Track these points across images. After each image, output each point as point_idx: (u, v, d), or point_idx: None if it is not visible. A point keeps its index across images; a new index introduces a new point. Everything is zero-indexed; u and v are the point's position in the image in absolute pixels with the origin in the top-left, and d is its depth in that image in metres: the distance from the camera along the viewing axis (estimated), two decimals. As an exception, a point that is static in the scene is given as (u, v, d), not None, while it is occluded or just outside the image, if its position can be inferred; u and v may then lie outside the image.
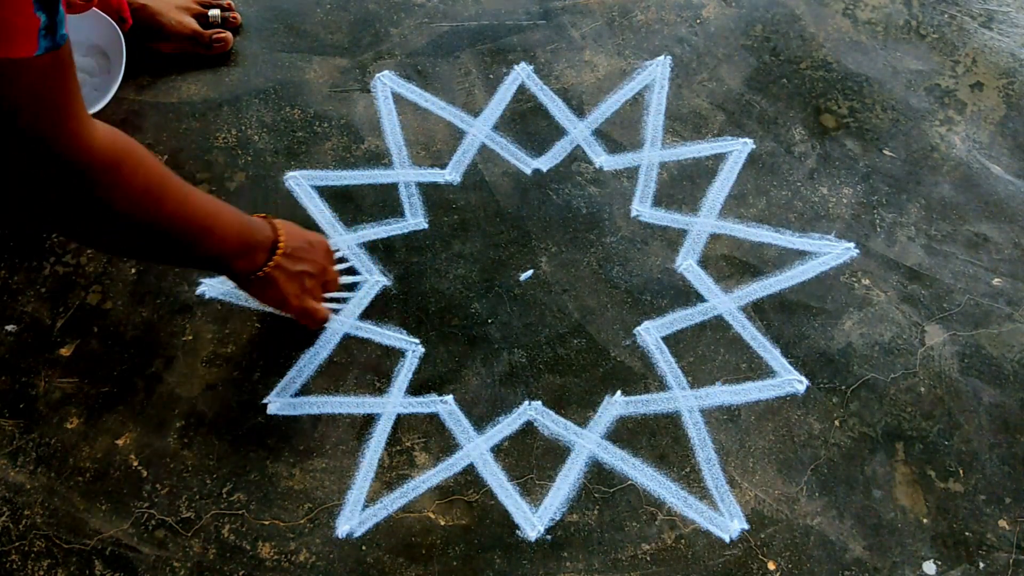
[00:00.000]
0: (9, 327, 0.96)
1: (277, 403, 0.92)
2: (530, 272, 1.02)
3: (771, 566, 0.85)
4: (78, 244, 0.84)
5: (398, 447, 0.90)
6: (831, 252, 1.04)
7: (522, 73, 1.17)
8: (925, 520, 0.88)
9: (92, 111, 1.00)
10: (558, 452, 0.90)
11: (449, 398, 0.93)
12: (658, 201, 1.07)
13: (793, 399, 0.94)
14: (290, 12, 1.21)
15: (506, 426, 0.92)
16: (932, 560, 0.86)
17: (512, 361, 0.96)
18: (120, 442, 0.89)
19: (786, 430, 0.92)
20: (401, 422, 0.92)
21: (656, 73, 1.18)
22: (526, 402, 0.93)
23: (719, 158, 1.11)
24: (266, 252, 0.84)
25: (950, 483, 0.90)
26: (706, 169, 1.10)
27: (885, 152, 1.13)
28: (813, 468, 0.90)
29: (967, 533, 0.88)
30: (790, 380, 0.95)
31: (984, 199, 1.10)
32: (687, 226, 1.06)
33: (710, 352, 0.97)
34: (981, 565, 0.86)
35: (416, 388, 0.94)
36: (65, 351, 0.94)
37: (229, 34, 1.15)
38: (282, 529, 0.85)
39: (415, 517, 0.86)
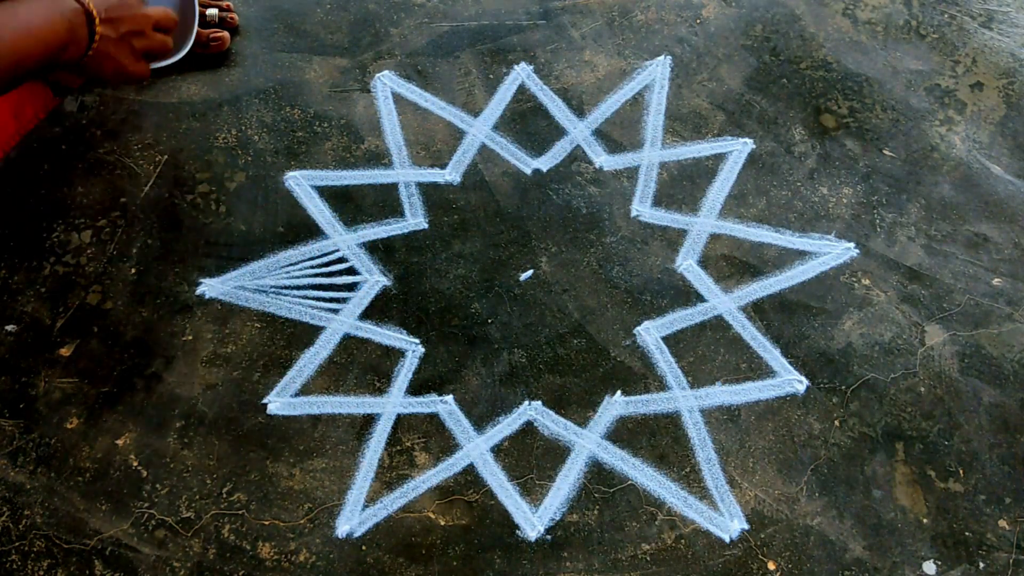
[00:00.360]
0: (9, 327, 0.96)
1: (277, 403, 0.92)
2: (530, 272, 1.02)
3: (771, 566, 0.85)
4: None
5: (398, 447, 0.90)
6: (831, 252, 1.04)
7: (522, 73, 1.17)
8: (925, 520, 0.88)
9: (167, 62, 0.97)
10: (558, 452, 0.90)
11: (449, 398, 0.93)
12: (658, 201, 1.07)
13: (793, 399, 0.94)
14: (290, 12, 1.21)
15: (506, 426, 0.92)
16: (932, 560, 0.86)
17: (512, 361, 0.96)
18: (120, 442, 0.89)
19: (786, 430, 0.92)
20: (401, 422, 0.92)
21: (656, 73, 1.18)
22: (526, 402, 0.93)
23: (719, 158, 1.11)
24: (84, 28, 0.79)
25: (950, 483, 0.90)
26: (706, 169, 1.10)
27: (885, 152, 1.13)
28: (813, 468, 0.90)
29: (967, 533, 0.88)
30: (790, 380, 0.95)
31: (984, 199, 1.10)
32: (687, 226, 1.06)
33: (710, 352, 0.97)
34: (981, 565, 0.86)
35: (416, 388, 0.94)
36: (65, 351, 0.94)
37: (226, 34, 1.15)
38: (282, 529, 0.85)
39: (415, 517, 0.86)
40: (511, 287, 1.01)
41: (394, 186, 1.07)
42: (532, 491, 0.88)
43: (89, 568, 0.83)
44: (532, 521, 0.87)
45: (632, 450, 0.91)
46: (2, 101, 0.95)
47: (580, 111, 1.14)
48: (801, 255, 1.04)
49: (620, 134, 1.12)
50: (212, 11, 1.15)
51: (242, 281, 0.99)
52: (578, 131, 1.13)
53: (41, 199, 1.04)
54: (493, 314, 0.99)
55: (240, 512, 0.86)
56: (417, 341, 0.96)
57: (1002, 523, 0.89)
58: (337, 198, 1.06)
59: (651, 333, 0.98)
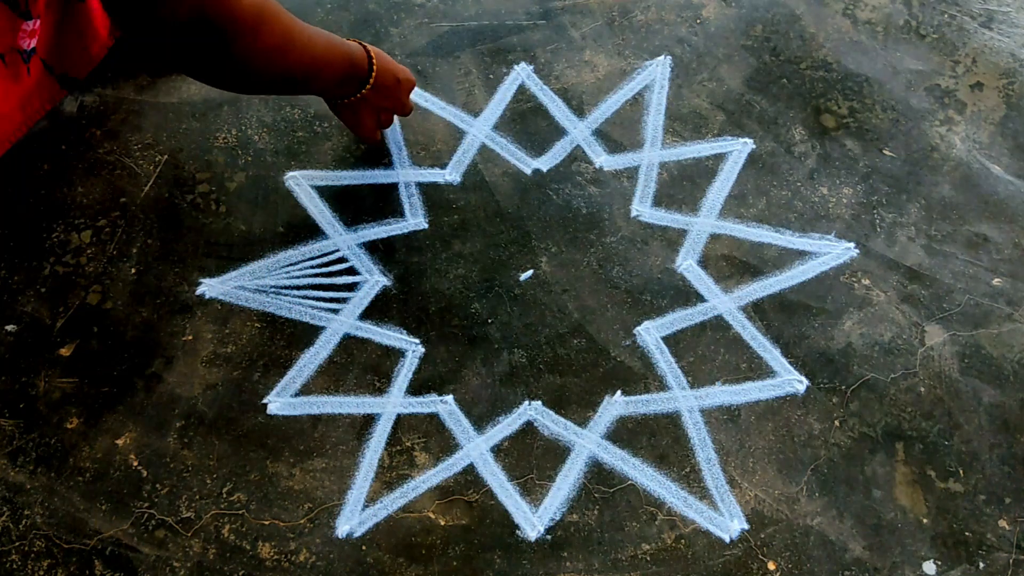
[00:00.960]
0: (9, 327, 0.96)
1: (277, 403, 0.92)
2: (530, 272, 1.02)
3: (771, 566, 0.85)
4: (204, 83, 0.93)
5: (398, 447, 0.90)
6: (831, 252, 1.04)
7: (522, 73, 1.17)
8: (925, 520, 0.88)
9: None
10: (558, 452, 0.90)
11: (449, 398, 0.93)
12: (658, 201, 1.07)
13: (793, 399, 0.94)
14: (290, 12, 1.20)
15: (506, 426, 0.92)
16: (932, 560, 0.86)
17: (512, 361, 0.96)
18: (120, 442, 0.89)
19: (786, 430, 0.92)
20: (401, 422, 0.92)
21: (656, 73, 1.18)
22: (526, 402, 0.93)
23: (719, 158, 1.11)
24: (358, 83, 0.94)
25: (950, 483, 0.90)
26: (706, 169, 1.10)
27: (885, 152, 1.13)
28: (813, 468, 0.90)
29: (967, 533, 0.88)
30: (790, 380, 0.95)
31: (984, 199, 1.10)
32: (687, 226, 1.06)
33: (710, 352, 0.97)
34: (981, 565, 0.86)
35: (416, 388, 0.94)
36: (65, 351, 0.94)
37: None
38: (282, 529, 0.85)
39: (415, 517, 0.86)
40: (511, 287, 1.01)
41: (394, 186, 1.07)
42: (532, 491, 0.88)
43: (89, 568, 0.83)
44: (532, 521, 0.87)
45: (632, 450, 0.91)
46: (9, 93, 0.95)
47: (580, 111, 1.14)
48: (801, 255, 1.04)
49: (620, 134, 1.12)
50: None
51: (242, 281, 0.99)
52: (578, 131, 1.13)
53: (41, 199, 1.04)
54: (493, 314, 0.99)
55: (240, 512, 0.86)
56: (417, 341, 0.97)
57: (1002, 523, 0.89)
58: (337, 198, 1.06)
59: (651, 333, 0.98)
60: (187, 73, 0.88)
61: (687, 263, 1.03)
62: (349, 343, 0.96)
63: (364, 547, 0.85)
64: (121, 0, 0.73)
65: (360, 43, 0.95)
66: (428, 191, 1.07)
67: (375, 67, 0.94)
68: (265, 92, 1.00)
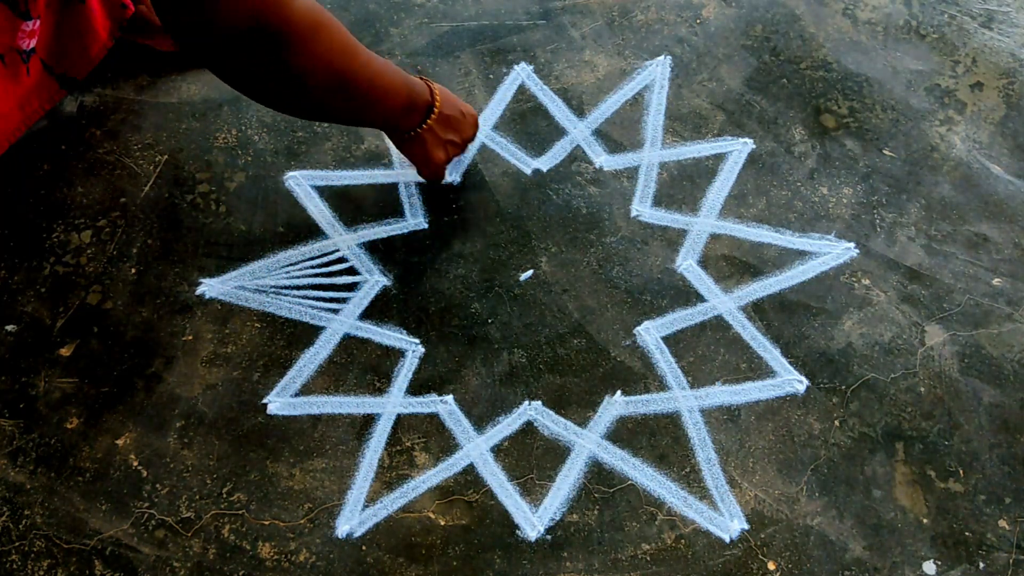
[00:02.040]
0: (9, 327, 0.96)
1: (277, 403, 0.92)
2: (530, 272, 1.02)
3: (771, 566, 0.85)
4: (265, 105, 0.89)
5: (398, 447, 0.90)
6: (831, 252, 1.04)
7: (522, 73, 1.17)
8: (925, 520, 0.88)
9: None
10: (558, 452, 0.90)
11: (449, 398, 0.93)
12: (658, 201, 1.07)
13: (793, 399, 0.94)
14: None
15: (506, 426, 0.92)
16: (932, 560, 0.86)
17: (512, 361, 0.96)
18: (120, 442, 0.89)
19: (786, 430, 0.92)
20: (401, 422, 0.92)
21: (656, 73, 1.18)
22: (526, 402, 0.93)
23: (719, 158, 1.11)
24: (421, 115, 0.92)
25: (950, 483, 0.90)
26: (706, 169, 1.10)
27: (885, 152, 1.13)
28: (813, 468, 0.90)
29: (967, 533, 0.88)
30: (790, 380, 0.95)
31: (984, 199, 1.10)
32: (687, 226, 1.06)
33: (710, 352, 0.97)
34: (981, 565, 0.86)
35: (416, 388, 0.94)
36: (65, 351, 0.94)
37: None
38: (282, 529, 0.85)
39: (415, 517, 0.86)
40: (511, 287, 1.01)
41: (394, 186, 1.07)
42: (532, 491, 0.88)
43: (89, 568, 0.83)
44: (532, 521, 0.87)
45: (632, 450, 0.91)
46: (8, 92, 0.95)
47: (580, 111, 1.14)
48: (801, 255, 1.04)
49: (620, 134, 1.12)
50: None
51: (242, 281, 0.99)
52: (578, 131, 1.13)
53: (41, 199, 1.04)
54: (493, 314, 0.99)
55: (240, 512, 0.86)
56: (417, 341, 0.97)
57: (1002, 523, 0.89)
58: (337, 198, 1.06)
59: (651, 333, 0.98)
60: (246, 90, 0.83)
61: (687, 263, 1.03)
62: (349, 343, 0.96)
63: (364, 547, 0.85)
64: (177, 8, 0.71)
65: (421, 77, 0.94)
66: (428, 191, 1.07)
67: (436, 96, 0.93)
68: (326, 114, 0.94)
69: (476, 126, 1.02)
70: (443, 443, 0.91)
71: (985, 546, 0.87)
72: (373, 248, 1.02)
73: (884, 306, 1.01)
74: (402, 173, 1.08)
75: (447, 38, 1.20)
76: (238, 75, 0.80)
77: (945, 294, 1.02)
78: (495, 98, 1.15)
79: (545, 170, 1.09)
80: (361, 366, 0.95)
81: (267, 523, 0.86)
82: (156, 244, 1.01)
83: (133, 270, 1.00)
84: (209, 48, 0.75)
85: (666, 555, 0.85)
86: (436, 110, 0.93)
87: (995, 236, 1.07)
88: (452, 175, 1.08)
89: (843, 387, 0.95)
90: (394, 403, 0.93)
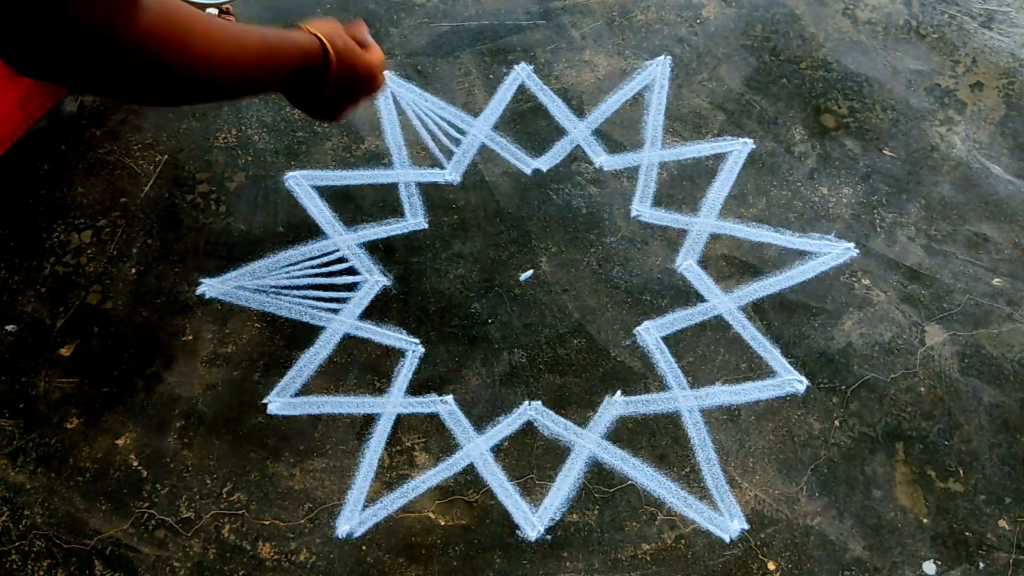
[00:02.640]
0: (9, 327, 0.96)
1: (277, 403, 0.92)
2: (530, 272, 1.02)
3: (771, 566, 0.85)
4: (143, 105, 0.84)
5: (398, 447, 0.90)
6: (831, 252, 1.04)
7: (522, 73, 1.17)
8: (925, 520, 0.88)
9: None
10: (558, 452, 0.90)
11: (449, 398, 0.93)
12: (658, 201, 1.07)
13: (793, 399, 0.94)
14: (290, 12, 1.21)
15: (506, 426, 0.92)
16: (932, 560, 0.86)
17: (512, 361, 0.96)
18: (120, 442, 0.89)
19: (786, 430, 0.92)
20: (401, 422, 0.92)
21: (656, 73, 1.18)
22: (526, 402, 0.93)
23: (719, 158, 1.11)
24: (316, 78, 0.84)
25: (950, 483, 0.90)
26: (706, 169, 1.10)
27: (885, 152, 1.13)
28: (813, 468, 0.90)
29: (967, 533, 0.88)
30: (790, 380, 0.95)
31: (984, 199, 1.10)
32: (687, 226, 1.06)
33: (710, 352, 0.97)
34: (981, 565, 0.86)
35: (416, 388, 0.94)
36: (65, 351, 0.94)
37: None
38: (282, 529, 0.85)
39: (415, 517, 0.86)
40: (511, 287, 1.01)
41: (394, 186, 1.07)
42: (532, 491, 0.88)
43: (89, 568, 0.83)
44: (532, 521, 0.87)
45: (632, 450, 0.91)
46: (9, 91, 0.95)
47: (580, 111, 1.14)
48: (801, 255, 1.04)
49: (620, 134, 1.12)
50: (211, 11, 1.15)
51: (242, 281, 0.99)
52: (578, 131, 1.13)
53: (41, 199, 1.04)
54: (493, 314, 0.99)
55: (240, 512, 0.86)
56: (417, 341, 0.96)
57: (1002, 523, 0.89)
58: (337, 198, 1.06)
59: (651, 333, 0.98)
60: (123, 99, 0.76)
61: (687, 263, 1.03)
62: (349, 343, 0.96)
63: (364, 547, 0.85)
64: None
65: (311, 31, 0.85)
66: (428, 191, 1.07)
67: (332, 56, 0.84)
68: (211, 99, 0.86)
69: (376, 79, 0.91)
70: (443, 443, 0.91)
71: (985, 546, 0.87)
72: (373, 248, 1.02)
73: (884, 306, 1.01)
74: (402, 173, 1.08)
75: (447, 38, 1.20)
76: (89, 84, 0.73)
77: (945, 294, 1.02)
78: (495, 98, 1.15)
79: (545, 170, 1.09)
80: (361, 366, 0.95)
81: (267, 523, 0.86)
82: (156, 244, 1.01)
83: (133, 270, 1.00)
84: (44, 59, 0.67)
85: (666, 555, 0.85)
86: (333, 73, 0.84)
87: (995, 236, 1.07)
88: (452, 175, 1.08)
89: (843, 387, 0.95)
90: (394, 403, 0.93)
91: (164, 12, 0.68)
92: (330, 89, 0.86)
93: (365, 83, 0.90)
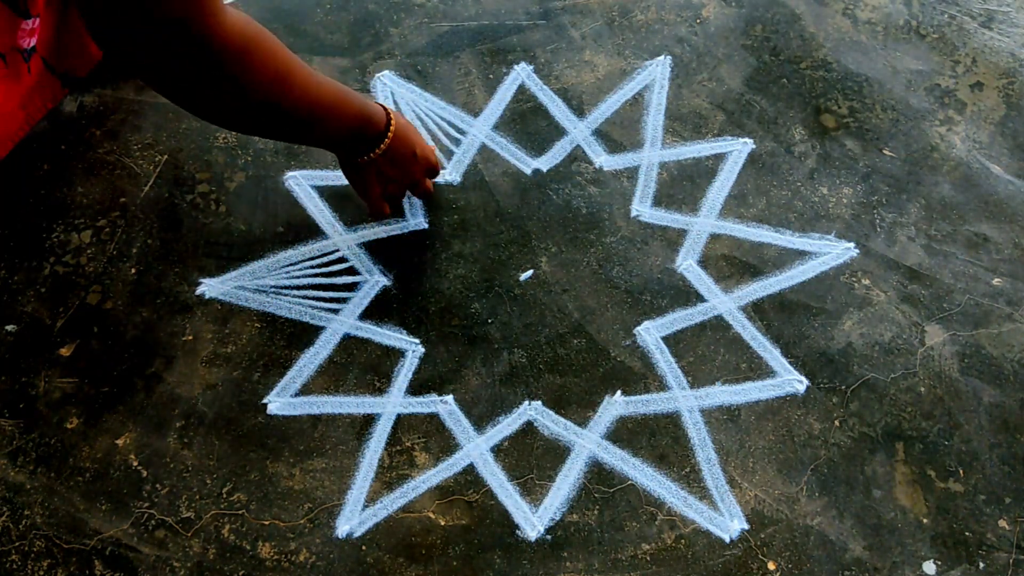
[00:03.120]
0: (9, 327, 0.96)
1: (277, 403, 0.92)
2: (530, 272, 1.02)
3: (771, 566, 0.85)
4: (209, 122, 0.86)
5: (398, 447, 0.90)
6: (831, 252, 1.04)
7: (522, 73, 1.17)
8: (925, 520, 0.88)
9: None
10: (558, 452, 0.90)
11: (449, 398, 0.93)
12: (658, 201, 1.07)
13: (793, 399, 0.94)
14: (290, 12, 1.21)
15: (506, 426, 0.92)
16: (932, 560, 0.86)
17: (512, 361, 0.96)
18: (120, 442, 0.89)
19: (786, 430, 0.92)
20: (401, 422, 0.92)
21: (656, 73, 1.18)
22: (526, 402, 0.93)
23: (719, 158, 1.11)
24: (368, 145, 0.89)
25: (950, 483, 0.90)
26: (706, 169, 1.10)
27: (885, 152, 1.13)
28: (813, 468, 0.90)
29: (967, 533, 0.88)
30: (790, 380, 0.95)
31: (984, 199, 1.10)
32: (687, 226, 1.06)
33: (710, 352, 0.97)
34: (981, 565, 0.86)
35: (416, 388, 0.94)
36: (65, 351, 0.94)
37: None
38: (282, 529, 0.85)
39: (415, 517, 0.86)
40: (511, 287, 1.01)
41: (394, 186, 1.07)
42: (532, 491, 0.88)
43: (89, 568, 0.83)
44: (532, 521, 0.87)
45: (632, 450, 0.91)
46: (10, 92, 0.95)
47: (580, 111, 1.14)
48: (801, 255, 1.04)
49: (620, 134, 1.12)
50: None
51: (242, 281, 0.99)
52: (578, 131, 1.13)
53: (41, 199, 1.04)
54: (493, 314, 0.99)
55: (240, 512, 0.86)
56: (417, 341, 0.97)
57: (1002, 523, 0.89)
58: (337, 198, 1.06)
59: (651, 333, 0.98)
60: (180, 102, 0.79)
61: (687, 263, 1.03)
62: (349, 343, 0.96)
63: (364, 547, 0.85)
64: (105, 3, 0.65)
65: (386, 108, 0.90)
66: (428, 191, 1.07)
67: (392, 131, 0.89)
68: (265, 132, 0.90)
69: (427, 172, 0.98)
70: (443, 443, 0.91)
71: (985, 546, 0.87)
72: (373, 248, 1.02)
73: (884, 306, 1.01)
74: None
75: (447, 38, 1.20)
76: (168, 85, 0.76)
77: (945, 294, 1.02)
78: (495, 98, 1.15)
79: (545, 170, 1.09)
80: (361, 366, 0.95)
81: (267, 523, 0.86)
82: (156, 244, 1.01)
83: (133, 270, 1.00)
84: (135, 52, 0.70)
85: (666, 555, 0.85)
86: (385, 143, 0.90)
87: (995, 236, 1.07)
88: (452, 174, 1.08)
89: (843, 387, 0.95)
90: (394, 403, 0.93)
91: (249, 26, 0.73)
92: (382, 157, 0.90)
93: (418, 168, 0.95)
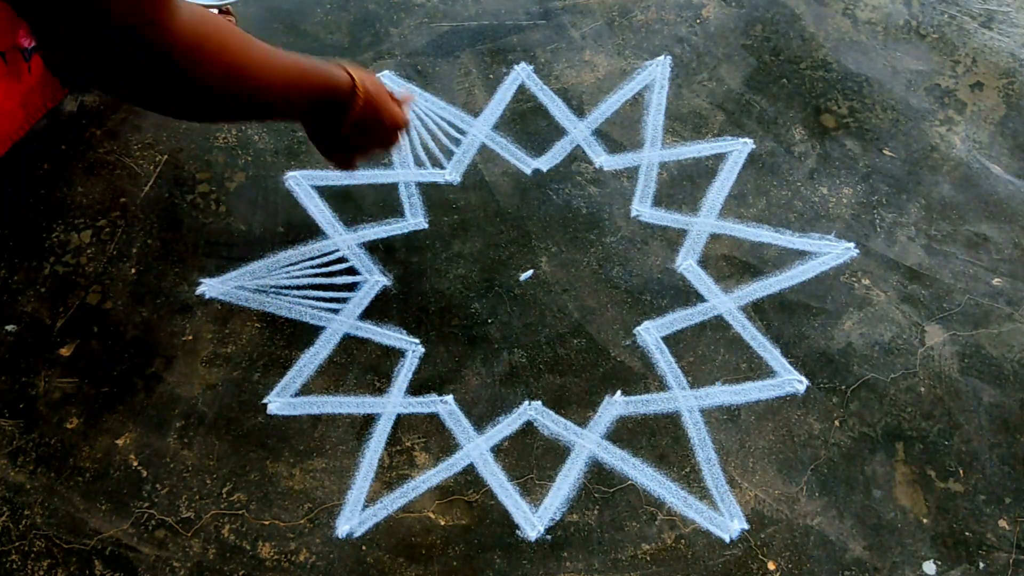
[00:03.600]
0: (9, 327, 0.96)
1: (277, 403, 0.92)
2: (530, 272, 1.02)
3: (771, 566, 0.85)
4: (174, 119, 0.83)
5: (398, 447, 0.90)
6: (831, 252, 1.04)
7: (522, 73, 1.17)
8: (925, 520, 0.88)
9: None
10: (558, 452, 0.90)
11: (449, 398, 0.93)
12: (658, 201, 1.07)
13: (793, 399, 0.94)
14: (290, 12, 1.21)
15: (506, 426, 0.92)
16: (932, 560, 0.86)
17: (512, 361, 0.96)
18: (120, 442, 0.89)
19: (786, 430, 0.92)
20: (401, 422, 0.92)
21: (656, 73, 1.18)
22: (526, 402, 0.93)
23: (719, 158, 1.11)
24: (335, 111, 0.84)
25: (950, 483, 0.90)
26: (706, 169, 1.10)
27: (885, 152, 1.13)
28: (813, 468, 0.90)
29: (967, 533, 0.88)
30: (790, 380, 0.95)
31: (984, 199, 1.10)
32: (687, 226, 1.06)
33: (710, 352, 0.97)
34: (981, 565, 0.86)
35: (416, 388, 0.94)
36: (65, 351, 0.94)
37: None
38: (282, 529, 0.85)
39: (415, 517, 0.86)
40: (511, 287, 1.01)
41: (394, 186, 1.07)
42: (532, 491, 0.88)
43: (89, 568, 0.83)
44: (532, 521, 0.87)
45: (632, 450, 0.91)
46: (11, 90, 0.95)
47: (580, 111, 1.14)
48: (801, 255, 1.04)
49: (620, 134, 1.12)
50: (211, 12, 1.15)
51: (242, 281, 0.99)
52: (578, 131, 1.13)
53: (41, 199, 1.04)
54: (493, 314, 0.99)
55: (240, 512, 0.86)
56: (417, 341, 0.96)
57: (1002, 523, 0.89)
58: (337, 198, 1.06)
59: (651, 333, 0.98)
60: (155, 108, 0.77)
61: (687, 263, 1.03)
62: (349, 343, 0.96)
63: (364, 547, 0.85)
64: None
65: (351, 73, 0.84)
66: (428, 191, 1.07)
67: (359, 102, 0.84)
68: (231, 118, 0.85)
69: (397, 133, 0.92)
70: (443, 443, 0.91)
71: (985, 546, 0.87)
72: (373, 248, 1.02)
73: (884, 306, 1.01)
74: (402, 173, 1.08)
75: (447, 38, 1.20)
76: (121, 90, 0.73)
77: (945, 294, 1.02)
78: (495, 98, 1.15)
79: (545, 170, 1.09)
80: (361, 366, 0.95)
81: (267, 523, 0.86)
82: (156, 244, 1.01)
83: (133, 270, 1.00)
84: (86, 62, 0.68)
85: (666, 555, 0.85)
86: (354, 114, 0.84)
87: (995, 236, 1.07)
88: (452, 175, 1.08)
89: (843, 387, 0.95)
90: (394, 403, 0.93)
91: (199, 23, 0.70)
92: (349, 127, 0.86)
93: (386, 132, 0.91)
